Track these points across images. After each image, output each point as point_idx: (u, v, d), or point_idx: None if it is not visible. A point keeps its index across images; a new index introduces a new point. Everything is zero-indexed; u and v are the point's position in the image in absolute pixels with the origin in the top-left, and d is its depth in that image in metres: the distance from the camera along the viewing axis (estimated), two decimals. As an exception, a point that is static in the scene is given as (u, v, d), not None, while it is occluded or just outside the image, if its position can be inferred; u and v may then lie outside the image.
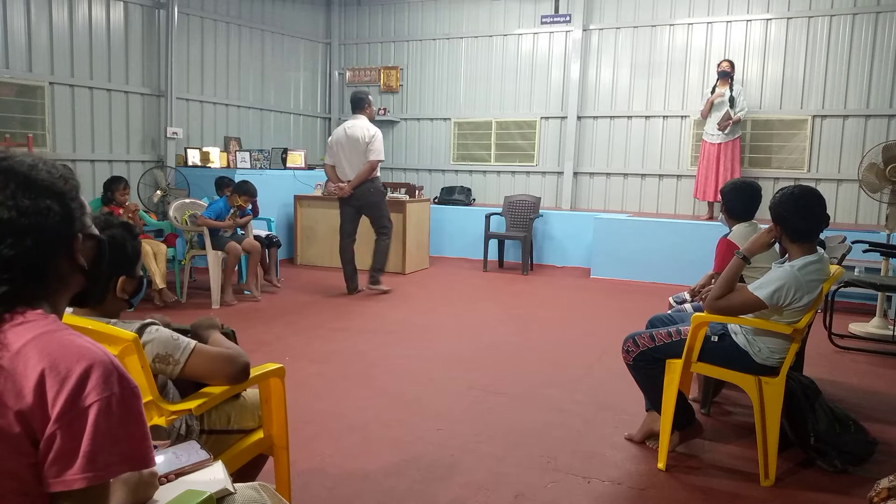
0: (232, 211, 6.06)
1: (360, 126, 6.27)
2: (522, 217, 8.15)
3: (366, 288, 6.53)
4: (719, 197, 3.79)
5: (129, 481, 1.25)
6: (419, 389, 3.84)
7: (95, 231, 1.21)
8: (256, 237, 6.39)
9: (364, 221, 6.57)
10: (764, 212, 4.08)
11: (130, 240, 1.96)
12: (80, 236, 1.16)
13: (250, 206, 6.44)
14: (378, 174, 6.44)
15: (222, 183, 6.66)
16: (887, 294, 5.51)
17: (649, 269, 7.39)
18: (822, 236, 3.02)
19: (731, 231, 3.49)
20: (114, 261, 1.89)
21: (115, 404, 1.02)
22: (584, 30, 8.75)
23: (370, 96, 6.53)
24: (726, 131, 7.37)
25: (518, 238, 8.01)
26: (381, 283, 6.54)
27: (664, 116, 8.50)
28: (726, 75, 7.40)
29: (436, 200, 9.14)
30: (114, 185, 5.79)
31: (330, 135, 10.48)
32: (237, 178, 6.65)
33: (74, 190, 1.16)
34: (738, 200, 3.50)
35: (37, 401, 1.00)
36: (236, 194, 6.10)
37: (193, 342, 1.90)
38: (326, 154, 6.52)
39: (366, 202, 6.39)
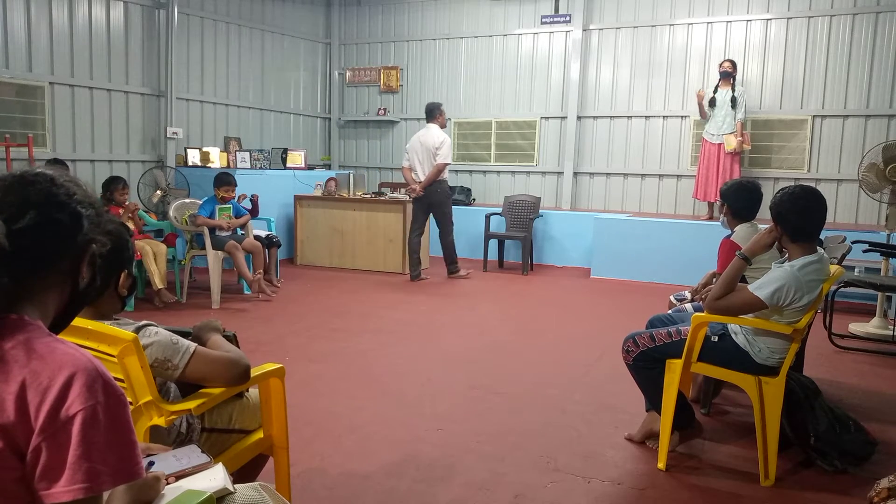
0: (220, 207, 6.06)
1: (431, 134, 7.15)
2: (522, 217, 8.15)
3: (448, 277, 7.43)
4: (718, 197, 3.79)
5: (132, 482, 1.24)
6: (419, 389, 3.84)
7: (97, 263, 1.19)
8: (256, 237, 6.39)
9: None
10: (764, 212, 4.09)
11: (128, 236, 1.96)
12: (93, 247, 1.15)
13: (248, 201, 6.43)
14: (445, 177, 7.20)
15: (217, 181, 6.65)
16: (887, 294, 5.51)
17: (649, 269, 7.39)
18: (821, 236, 3.02)
19: (733, 232, 3.48)
20: (120, 255, 1.90)
21: (100, 413, 0.98)
22: (584, 30, 8.75)
23: (442, 107, 7.35)
24: (724, 127, 7.37)
25: (518, 238, 8.01)
26: (460, 270, 7.43)
27: (664, 116, 8.50)
28: (728, 75, 7.40)
29: (436, 200, 9.13)
30: (112, 185, 5.79)
31: (329, 134, 10.61)
32: (237, 178, 6.64)
33: (98, 201, 1.19)
34: (740, 200, 3.49)
35: (18, 413, 0.96)
36: (216, 188, 6.11)
37: (194, 346, 1.88)
38: (404, 158, 7.41)
39: (433, 201, 7.22)
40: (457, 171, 9.74)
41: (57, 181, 1.11)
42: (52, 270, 1.10)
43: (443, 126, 7.30)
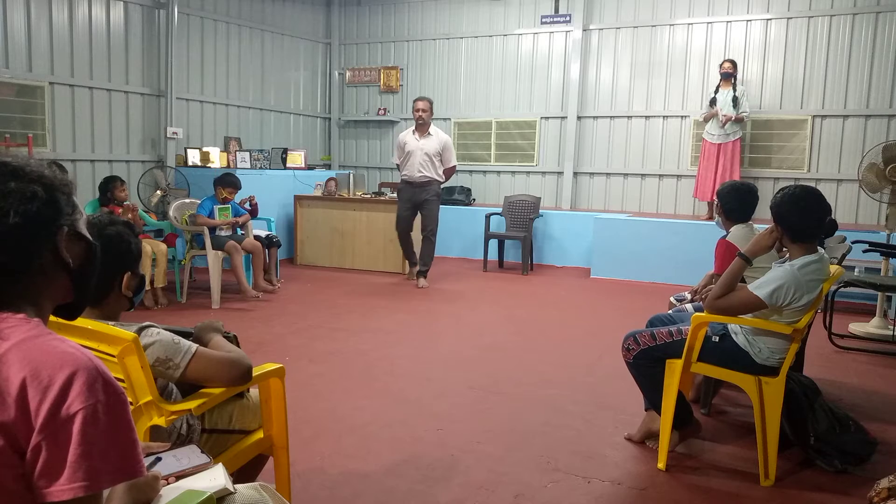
0: (219, 207, 6.08)
1: None
2: (522, 217, 8.15)
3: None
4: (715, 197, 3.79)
5: (129, 482, 1.24)
6: (419, 389, 3.84)
7: (85, 232, 1.17)
8: (256, 237, 6.39)
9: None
10: (761, 212, 4.08)
11: (133, 237, 1.96)
12: (65, 228, 1.12)
13: (248, 203, 6.46)
14: (403, 175, 7.05)
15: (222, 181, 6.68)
16: (887, 294, 5.51)
17: (649, 269, 7.39)
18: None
19: (729, 232, 3.49)
20: (120, 257, 1.90)
21: (101, 412, 0.98)
22: (584, 30, 8.75)
23: (417, 101, 6.92)
24: (725, 127, 7.36)
25: (518, 238, 8.01)
26: (416, 275, 7.16)
27: (664, 116, 8.50)
28: (729, 76, 7.40)
29: (436, 200, 9.13)
30: (110, 185, 5.77)
31: (329, 134, 10.61)
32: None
33: (64, 184, 1.13)
34: (735, 202, 3.52)
35: (19, 411, 0.96)
36: (220, 187, 6.13)
37: (195, 346, 1.88)
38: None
39: None
40: (457, 171, 9.72)
41: (29, 162, 1.08)
42: (33, 270, 1.09)
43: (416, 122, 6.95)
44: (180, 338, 1.89)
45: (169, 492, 1.38)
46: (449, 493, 2.64)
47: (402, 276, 7.52)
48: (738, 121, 7.36)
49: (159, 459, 1.49)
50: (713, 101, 7.44)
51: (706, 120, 7.52)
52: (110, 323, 1.88)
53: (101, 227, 1.87)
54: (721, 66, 7.49)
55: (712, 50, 8.16)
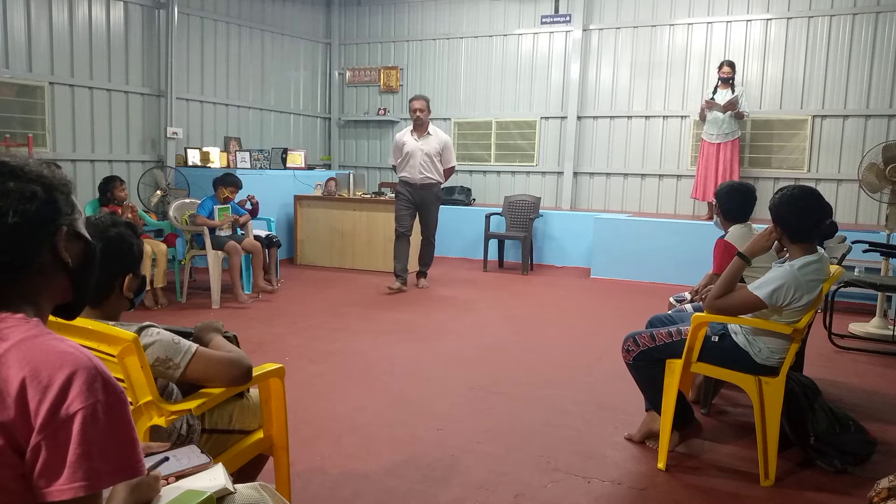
0: (219, 207, 6.08)
1: None
2: (522, 217, 8.15)
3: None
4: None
5: (130, 482, 1.24)
6: (419, 389, 3.84)
7: (84, 232, 1.17)
8: (256, 237, 6.39)
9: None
10: (759, 212, 4.08)
11: (135, 238, 1.96)
12: (64, 228, 1.12)
13: (248, 203, 6.46)
14: (403, 176, 6.80)
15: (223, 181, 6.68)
16: (887, 294, 5.51)
17: (649, 269, 7.39)
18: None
19: (727, 232, 3.50)
20: (122, 258, 1.89)
21: (100, 411, 0.98)
22: (584, 30, 8.75)
23: (413, 101, 6.74)
24: (724, 126, 7.35)
25: (518, 238, 8.01)
26: (416, 276, 7.05)
27: (664, 116, 8.50)
28: (727, 80, 7.40)
29: (436, 200, 9.12)
30: (110, 185, 5.77)
31: (329, 134, 10.61)
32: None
33: (62, 183, 1.13)
34: (733, 202, 3.52)
35: (19, 411, 0.96)
36: (221, 186, 6.14)
37: (195, 346, 1.88)
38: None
39: None
40: (457, 171, 9.72)
41: (29, 162, 1.08)
42: (32, 270, 1.09)
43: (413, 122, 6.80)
44: (180, 338, 1.89)
45: (169, 492, 1.38)
46: (449, 493, 2.64)
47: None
48: (739, 117, 7.36)
49: (166, 459, 1.49)
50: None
51: (703, 118, 7.51)
52: (110, 323, 1.88)
53: (103, 228, 1.87)
54: (720, 69, 7.48)
55: (712, 50, 8.16)
